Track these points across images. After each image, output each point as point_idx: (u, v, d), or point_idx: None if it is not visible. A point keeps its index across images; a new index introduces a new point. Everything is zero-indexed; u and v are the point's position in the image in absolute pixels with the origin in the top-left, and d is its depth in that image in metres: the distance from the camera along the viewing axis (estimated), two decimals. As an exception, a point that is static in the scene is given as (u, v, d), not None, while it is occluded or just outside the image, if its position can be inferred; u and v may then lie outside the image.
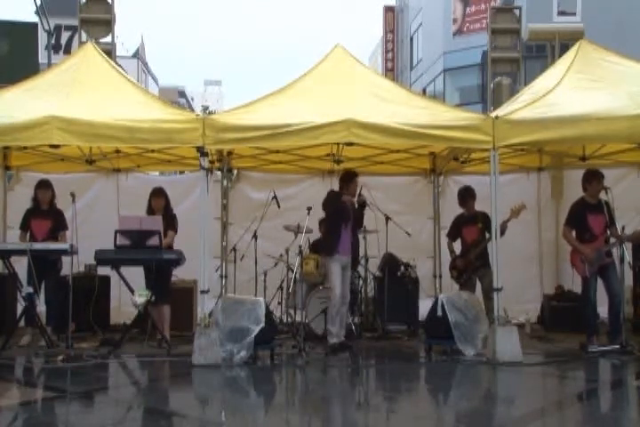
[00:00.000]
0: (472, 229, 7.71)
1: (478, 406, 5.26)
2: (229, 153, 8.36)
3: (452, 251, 7.94)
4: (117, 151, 8.25)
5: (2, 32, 13.61)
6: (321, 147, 7.73)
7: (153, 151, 8.18)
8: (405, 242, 8.27)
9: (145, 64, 37.32)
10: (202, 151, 6.48)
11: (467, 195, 7.79)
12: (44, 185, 7.45)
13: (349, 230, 7.12)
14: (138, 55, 35.14)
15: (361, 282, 7.76)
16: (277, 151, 8.40)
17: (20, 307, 7.17)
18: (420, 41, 32.80)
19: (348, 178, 7.20)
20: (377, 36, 40.72)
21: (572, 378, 6.20)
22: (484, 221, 7.27)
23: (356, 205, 7.15)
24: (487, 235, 7.35)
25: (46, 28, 13.92)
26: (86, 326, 7.55)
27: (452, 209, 8.49)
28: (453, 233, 7.96)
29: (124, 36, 34.86)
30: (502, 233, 6.95)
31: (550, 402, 5.25)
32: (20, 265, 7.09)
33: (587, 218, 7.05)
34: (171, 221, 7.35)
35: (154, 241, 6.81)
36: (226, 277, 8.45)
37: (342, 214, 7.09)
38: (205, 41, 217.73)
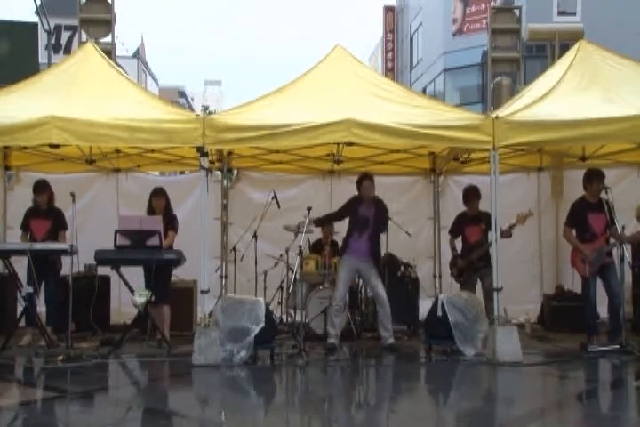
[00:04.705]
0: (475, 229, 7.70)
1: (478, 406, 5.26)
2: (229, 153, 8.36)
3: (453, 248, 7.95)
4: (117, 151, 8.26)
5: (2, 32, 13.59)
6: (321, 147, 7.73)
7: (153, 151, 8.19)
8: (405, 242, 8.27)
9: (145, 64, 37.31)
10: (202, 151, 6.48)
11: (471, 194, 7.79)
12: (39, 188, 7.37)
13: (364, 234, 7.10)
14: (138, 55, 35.13)
15: (361, 282, 7.75)
16: (277, 151, 8.41)
17: (20, 307, 7.17)
18: (419, 41, 32.81)
19: (358, 181, 7.21)
20: (377, 36, 40.75)
21: (572, 378, 6.20)
22: (487, 221, 7.26)
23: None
24: (490, 237, 7.35)
25: (46, 28, 13.92)
26: (86, 326, 7.54)
27: (452, 209, 8.51)
28: (455, 230, 7.96)
29: (124, 36, 34.88)
30: (506, 237, 6.97)
31: (550, 402, 5.25)
32: (21, 265, 7.10)
33: (587, 217, 7.06)
34: (171, 222, 7.35)
35: (154, 241, 6.81)
36: (226, 277, 8.46)
37: (349, 217, 7.20)
38: (205, 41, 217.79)
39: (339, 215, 7.43)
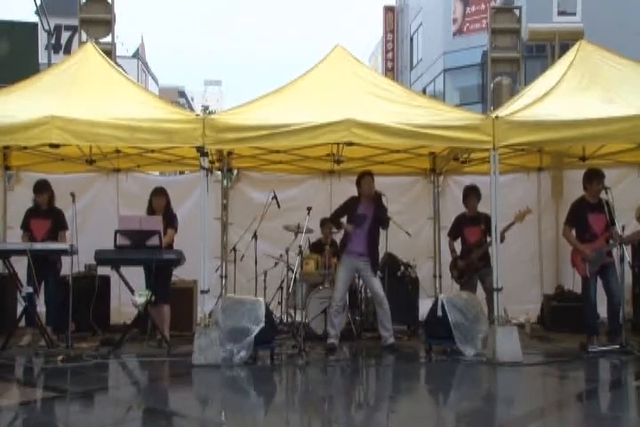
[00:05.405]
0: (474, 230, 7.72)
1: (478, 406, 5.26)
2: (229, 153, 8.36)
3: (452, 250, 7.95)
4: (117, 151, 8.26)
5: (2, 32, 13.58)
6: (321, 147, 7.74)
7: (153, 151, 8.19)
8: (405, 242, 8.27)
9: (145, 64, 37.33)
10: (202, 151, 6.48)
11: (471, 194, 7.79)
12: (40, 188, 7.38)
13: (361, 232, 7.09)
14: (138, 55, 35.15)
15: (361, 282, 7.75)
16: (277, 151, 8.41)
17: (20, 307, 7.17)
18: (419, 41, 32.83)
19: (357, 180, 7.22)
20: (377, 36, 40.77)
21: (572, 378, 6.20)
22: (486, 222, 7.25)
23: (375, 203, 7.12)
24: (489, 237, 7.35)
25: (46, 28, 13.91)
26: (86, 326, 7.55)
27: (452, 209, 8.51)
28: (455, 233, 7.97)
29: (124, 36, 34.91)
30: (501, 241, 6.95)
31: (550, 402, 5.25)
32: (21, 265, 7.09)
33: (587, 217, 7.06)
34: (171, 221, 7.35)
35: (154, 241, 6.81)
36: (226, 277, 8.46)
37: (347, 216, 7.17)
38: (205, 41, 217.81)
39: (336, 214, 7.36)
